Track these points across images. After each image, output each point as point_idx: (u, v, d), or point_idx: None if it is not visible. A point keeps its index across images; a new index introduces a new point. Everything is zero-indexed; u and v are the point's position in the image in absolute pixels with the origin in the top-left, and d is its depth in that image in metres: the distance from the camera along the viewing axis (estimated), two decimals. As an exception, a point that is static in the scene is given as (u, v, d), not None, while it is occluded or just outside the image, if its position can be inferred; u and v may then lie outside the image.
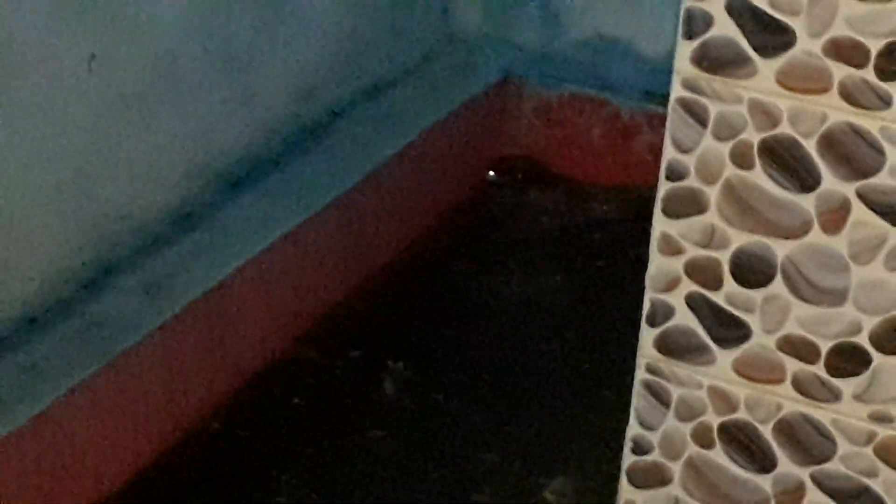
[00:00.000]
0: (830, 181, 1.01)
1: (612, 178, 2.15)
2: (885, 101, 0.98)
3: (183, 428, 1.54)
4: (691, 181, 1.05)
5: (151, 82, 1.52)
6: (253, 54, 1.68)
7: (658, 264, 1.08)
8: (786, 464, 1.09)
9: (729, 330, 1.07)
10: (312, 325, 1.74)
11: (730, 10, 1.00)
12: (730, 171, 1.03)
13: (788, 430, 1.08)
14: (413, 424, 1.63)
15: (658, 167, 2.23)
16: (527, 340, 1.79)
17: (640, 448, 1.13)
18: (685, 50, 1.02)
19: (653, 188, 2.15)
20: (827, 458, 1.08)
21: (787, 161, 1.02)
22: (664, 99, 2.19)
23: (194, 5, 1.55)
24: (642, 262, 1.98)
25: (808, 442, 1.08)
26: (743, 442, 1.09)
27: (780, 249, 1.04)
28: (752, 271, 1.05)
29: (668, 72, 2.19)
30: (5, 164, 1.37)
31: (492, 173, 2.14)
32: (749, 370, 1.07)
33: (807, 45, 0.99)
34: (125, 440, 1.46)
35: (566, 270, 1.94)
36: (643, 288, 1.91)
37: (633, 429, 1.12)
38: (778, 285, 1.05)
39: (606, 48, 2.15)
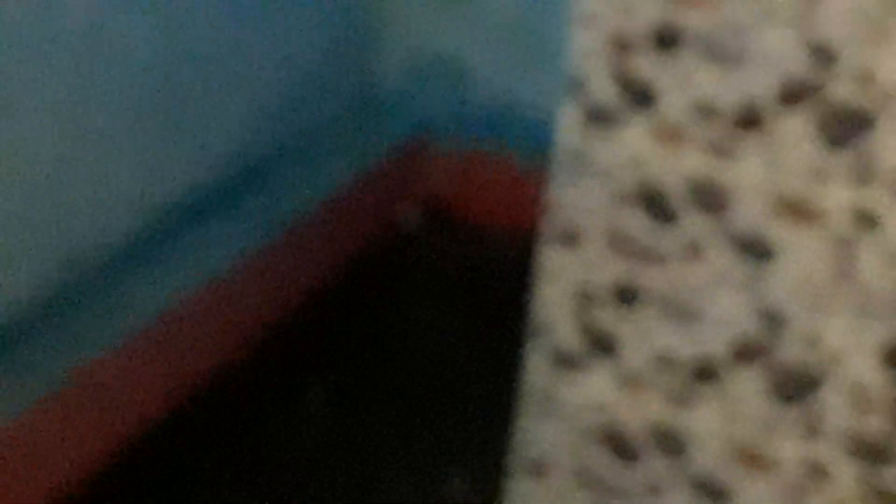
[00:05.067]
0: (691, 220, 1.06)
1: (512, 224, 2.19)
2: (738, 155, 1.03)
3: (129, 435, 1.55)
4: (572, 218, 1.09)
5: (110, 126, 1.53)
6: (199, 103, 1.68)
7: (542, 290, 1.12)
8: (654, 463, 1.13)
9: (604, 347, 1.11)
10: (246, 345, 1.75)
11: (609, 72, 1.05)
12: (605, 210, 1.08)
13: (657, 433, 1.12)
14: (333, 433, 1.65)
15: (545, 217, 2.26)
16: (436, 364, 1.82)
17: (526, 451, 1.16)
18: (569, 104, 1.07)
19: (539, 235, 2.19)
20: (687, 458, 1.12)
21: (654, 203, 1.06)
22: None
23: (150, 58, 1.56)
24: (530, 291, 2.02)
25: (673, 443, 1.12)
26: (618, 444, 1.14)
27: (648, 278, 1.08)
28: (624, 296, 1.09)
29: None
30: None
31: (407, 216, 2.17)
32: (624, 382, 1.12)
33: (673, 105, 1.04)
34: (73, 448, 1.47)
35: (469, 299, 1.97)
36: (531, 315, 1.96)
37: (520, 434, 1.16)
38: (646, 308, 1.09)
39: (511, 107, 2.19)
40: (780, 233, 1.04)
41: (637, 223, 1.07)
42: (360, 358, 1.80)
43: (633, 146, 1.06)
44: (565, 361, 1.12)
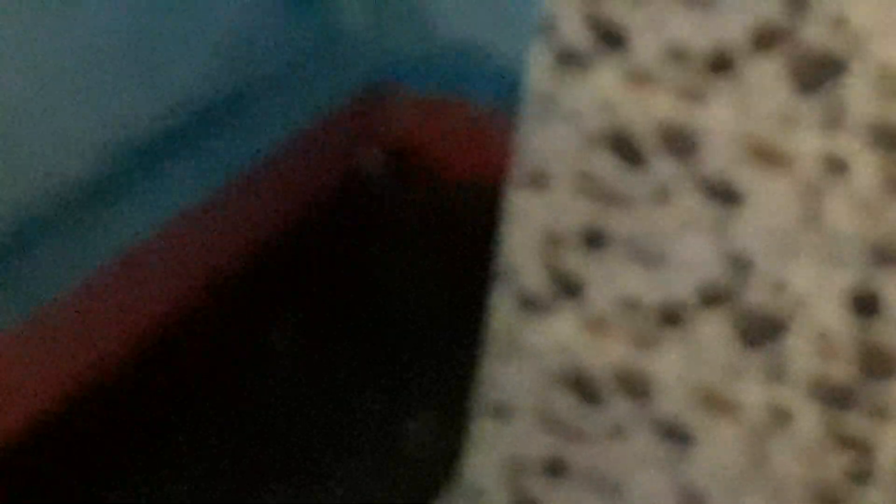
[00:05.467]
0: (661, 165, 1.05)
1: (471, 168, 2.17)
2: (709, 99, 1.02)
3: (90, 374, 1.53)
4: (541, 162, 1.08)
5: (70, 64, 1.50)
6: (158, 44, 1.66)
7: (510, 232, 1.10)
8: (617, 403, 1.12)
9: (571, 290, 1.10)
10: (210, 285, 1.73)
11: (580, 15, 1.03)
12: (575, 154, 1.06)
13: (621, 377, 1.11)
14: (297, 371, 1.64)
15: (511, 159, 2.25)
16: (401, 304, 1.81)
17: (491, 392, 1.15)
18: (538, 49, 1.05)
19: (507, 179, 2.18)
20: (651, 400, 1.11)
21: (624, 148, 1.05)
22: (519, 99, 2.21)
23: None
24: (494, 237, 2.01)
25: (636, 385, 1.11)
26: (582, 386, 1.13)
27: (616, 221, 1.07)
28: (591, 240, 1.08)
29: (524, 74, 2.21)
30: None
31: (370, 163, 2.15)
32: (589, 325, 1.10)
33: (643, 50, 1.02)
34: (37, 382, 1.45)
35: (430, 244, 1.96)
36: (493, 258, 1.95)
37: (485, 373, 1.15)
38: (614, 252, 1.08)
39: (475, 52, 2.17)
40: (749, 178, 1.03)
41: (606, 167, 1.05)
42: (326, 299, 1.79)
43: (604, 89, 1.04)
44: (530, 304, 1.11)
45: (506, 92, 2.15)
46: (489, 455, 1.16)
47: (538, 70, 1.06)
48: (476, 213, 2.07)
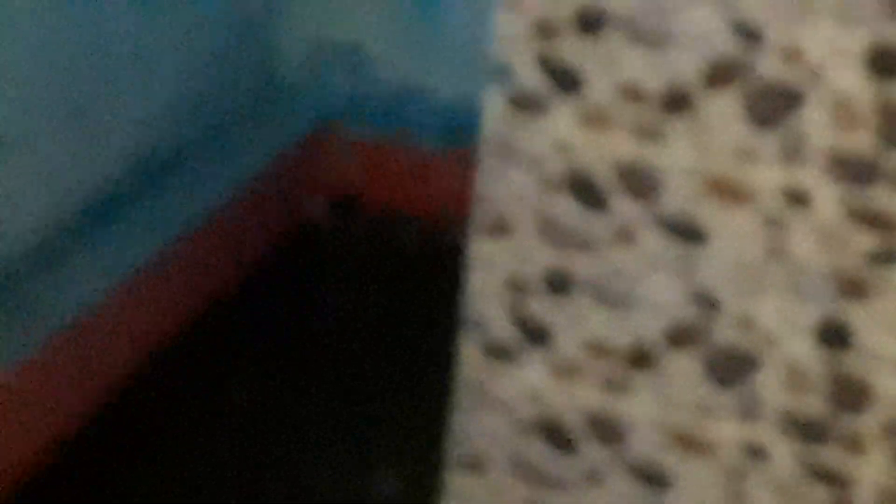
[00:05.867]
0: (621, 205, 1.03)
1: (416, 208, 2.15)
2: (665, 137, 1.00)
3: (54, 442, 1.49)
4: (502, 207, 1.05)
5: (4, 133, 1.47)
6: (101, 105, 1.63)
7: (475, 279, 1.08)
8: (591, 449, 1.10)
9: (538, 335, 1.07)
10: (162, 346, 1.70)
11: (533, 58, 1.01)
12: (535, 198, 1.04)
13: (593, 420, 1.09)
14: (257, 428, 1.60)
15: (454, 197, 2.24)
16: (352, 351, 1.78)
17: (461, 441, 1.12)
18: (494, 93, 1.02)
19: (451, 216, 2.16)
20: (625, 442, 1.09)
21: (583, 189, 1.03)
22: (461, 138, 2.20)
23: (46, 63, 1.51)
24: (444, 279, 1.99)
25: (608, 428, 1.09)
26: (552, 432, 1.10)
27: (580, 264, 1.05)
28: (556, 284, 1.06)
29: (463, 113, 2.21)
30: None
31: (315, 206, 2.12)
32: (557, 370, 1.08)
33: (599, 90, 1.00)
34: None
35: (381, 289, 1.94)
36: (446, 298, 1.92)
37: (455, 425, 1.12)
38: (579, 295, 1.05)
39: (410, 94, 2.15)
40: (711, 215, 1.01)
41: (567, 210, 1.03)
42: (283, 350, 1.75)
43: (560, 132, 1.02)
44: (499, 352, 1.08)
45: (446, 131, 2.15)
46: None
47: (493, 114, 1.04)
48: (425, 251, 2.06)
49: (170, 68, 1.76)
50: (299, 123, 2.08)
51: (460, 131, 2.10)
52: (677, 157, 1.01)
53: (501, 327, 1.07)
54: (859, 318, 1.00)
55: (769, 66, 0.97)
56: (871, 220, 0.98)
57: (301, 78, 2.12)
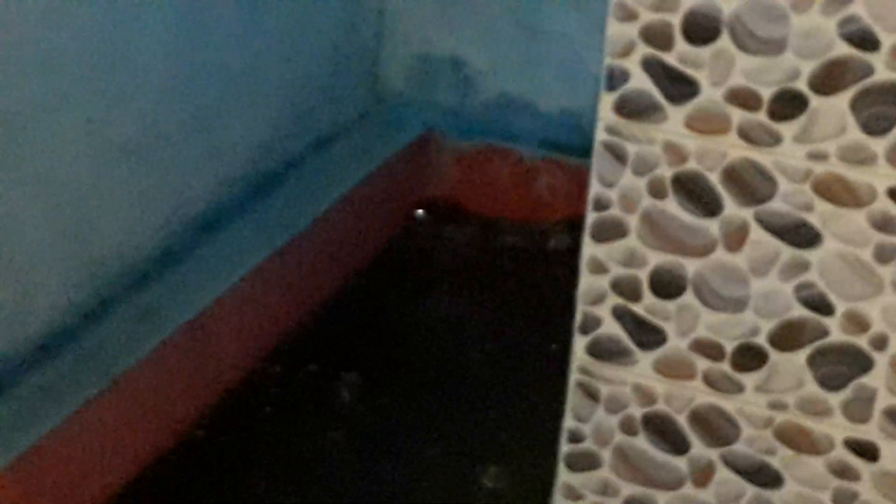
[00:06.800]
0: (731, 207, 1.01)
1: (516, 214, 2.15)
2: (777, 139, 0.98)
3: (173, 436, 1.50)
4: (614, 211, 1.04)
5: (138, 141, 1.49)
6: (220, 116, 1.65)
7: (587, 282, 1.07)
8: (698, 447, 1.08)
9: (648, 335, 1.06)
10: (276, 345, 1.71)
11: (644, 65, 1.00)
12: (647, 201, 1.03)
13: (700, 418, 1.07)
14: (366, 426, 1.60)
15: (554, 205, 2.23)
16: (457, 351, 1.77)
17: (574, 438, 1.11)
18: (607, 100, 1.01)
19: (550, 221, 2.15)
20: (732, 441, 1.07)
21: (694, 192, 1.02)
22: (558, 147, 2.20)
23: (172, 75, 1.53)
24: (545, 282, 1.97)
25: (716, 427, 1.07)
26: (662, 429, 1.09)
27: (691, 266, 1.03)
28: (666, 285, 1.04)
29: (560, 124, 2.20)
30: (14, 214, 1.33)
31: (419, 212, 2.13)
32: (666, 369, 1.07)
33: (710, 94, 0.99)
34: (125, 448, 1.43)
35: (484, 290, 1.93)
36: (548, 303, 1.91)
37: (568, 422, 1.11)
38: (689, 296, 1.04)
39: (510, 105, 2.15)
40: (822, 215, 0.99)
41: (678, 212, 1.02)
42: (389, 351, 1.75)
43: (672, 135, 1.00)
44: (609, 352, 1.07)
45: (545, 139, 2.14)
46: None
47: (605, 119, 1.03)
48: (522, 256, 2.06)
49: (281, 81, 1.77)
50: (404, 134, 2.09)
51: (555, 140, 2.10)
52: (787, 157, 0.99)
53: (612, 327, 1.06)
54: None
55: (882, 69, 0.95)
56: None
57: (406, 90, 2.13)
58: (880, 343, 1.00)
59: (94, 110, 1.40)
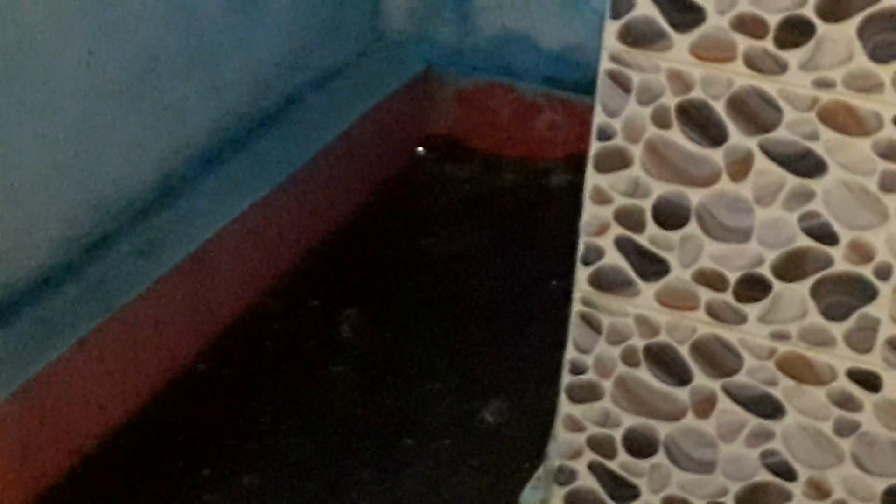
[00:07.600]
0: (736, 136, 0.99)
1: (517, 151, 2.13)
2: (783, 67, 0.97)
3: (175, 369, 1.50)
4: (618, 140, 1.02)
5: (138, 74, 1.47)
6: (220, 51, 1.63)
7: (590, 212, 1.05)
8: (700, 378, 1.07)
9: (651, 266, 1.05)
10: (277, 280, 1.70)
11: (649, -7, 0.98)
12: (651, 130, 1.01)
13: (702, 349, 1.06)
14: (368, 360, 1.59)
15: (555, 142, 2.21)
16: (458, 287, 1.76)
17: (576, 369, 1.10)
18: (612, 28, 0.99)
19: (550, 158, 2.14)
20: (734, 372, 1.06)
21: (699, 120, 1.00)
22: (559, 83, 2.17)
23: (172, 8, 1.50)
24: (545, 219, 1.96)
25: (718, 358, 1.06)
26: (664, 361, 1.08)
27: (694, 196, 1.02)
28: (670, 215, 1.03)
29: (563, 60, 2.17)
30: (15, 148, 1.32)
31: (420, 149, 2.11)
32: (669, 300, 1.05)
33: (715, 21, 0.97)
34: (127, 380, 1.42)
35: (485, 227, 1.92)
36: (548, 240, 1.89)
37: (570, 353, 1.10)
38: (692, 227, 1.03)
39: (511, 42, 2.13)
40: (827, 144, 0.98)
41: (683, 142, 1.00)
42: (390, 287, 1.74)
43: (677, 63, 0.99)
44: (611, 283, 1.06)
45: (545, 77, 2.12)
46: (576, 435, 1.11)
47: (610, 48, 1.01)
48: (522, 190, 2.04)
49: (281, 17, 1.75)
50: (405, 70, 2.07)
51: (557, 77, 2.08)
52: (793, 85, 0.97)
53: (614, 258, 1.05)
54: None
55: (887, -3, 0.93)
56: None
57: (407, 26, 2.11)
58: (885, 273, 0.99)
59: (94, 43, 1.38)
